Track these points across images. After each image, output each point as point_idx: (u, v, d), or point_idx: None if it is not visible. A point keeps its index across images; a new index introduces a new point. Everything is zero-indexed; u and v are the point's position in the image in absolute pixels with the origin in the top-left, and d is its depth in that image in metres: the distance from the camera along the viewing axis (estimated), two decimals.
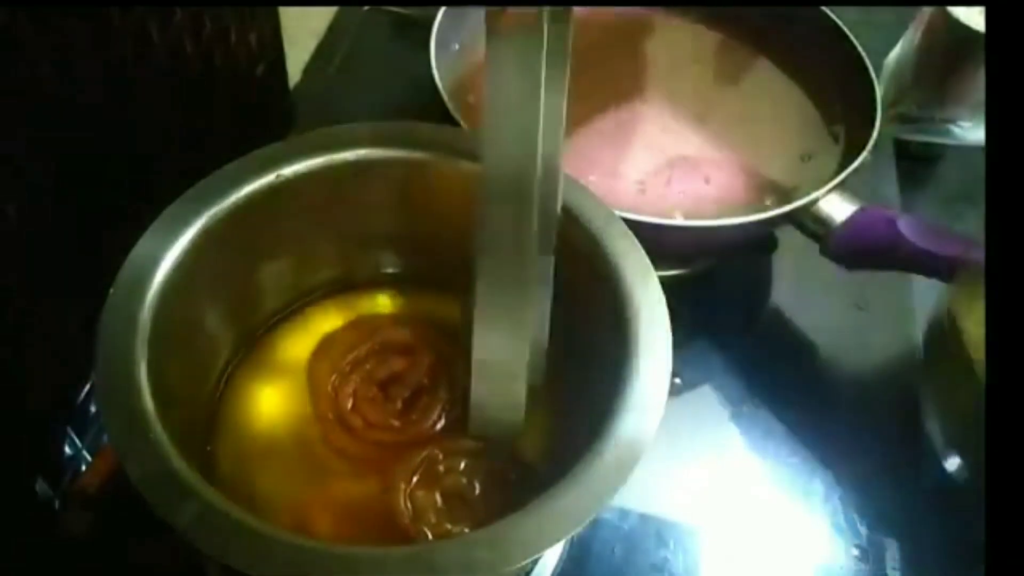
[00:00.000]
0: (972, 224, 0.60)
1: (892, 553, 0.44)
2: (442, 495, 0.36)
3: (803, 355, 0.53)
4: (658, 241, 0.39)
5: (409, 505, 0.35)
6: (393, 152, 0.38)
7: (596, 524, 0.44)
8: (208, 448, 0.37)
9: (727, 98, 0.58)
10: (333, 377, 0.39)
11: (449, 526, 0.35)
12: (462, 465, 0.37)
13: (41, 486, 0.41)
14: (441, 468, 0.36)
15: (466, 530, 0.35)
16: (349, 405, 0.38)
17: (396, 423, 0.38)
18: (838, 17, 0.57)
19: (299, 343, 0.41)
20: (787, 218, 0.48)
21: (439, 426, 0.38)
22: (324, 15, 0.68)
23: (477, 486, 0.36)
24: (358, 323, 0.42)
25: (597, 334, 0.35)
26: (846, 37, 0.57)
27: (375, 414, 0.38)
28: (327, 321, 0.42)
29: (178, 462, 0.28)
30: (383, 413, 0.38)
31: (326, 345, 0.40)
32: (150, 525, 0.27)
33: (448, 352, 0.40)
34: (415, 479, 0.36)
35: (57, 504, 0.41)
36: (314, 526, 0.36)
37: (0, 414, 0.39)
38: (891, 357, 0.53)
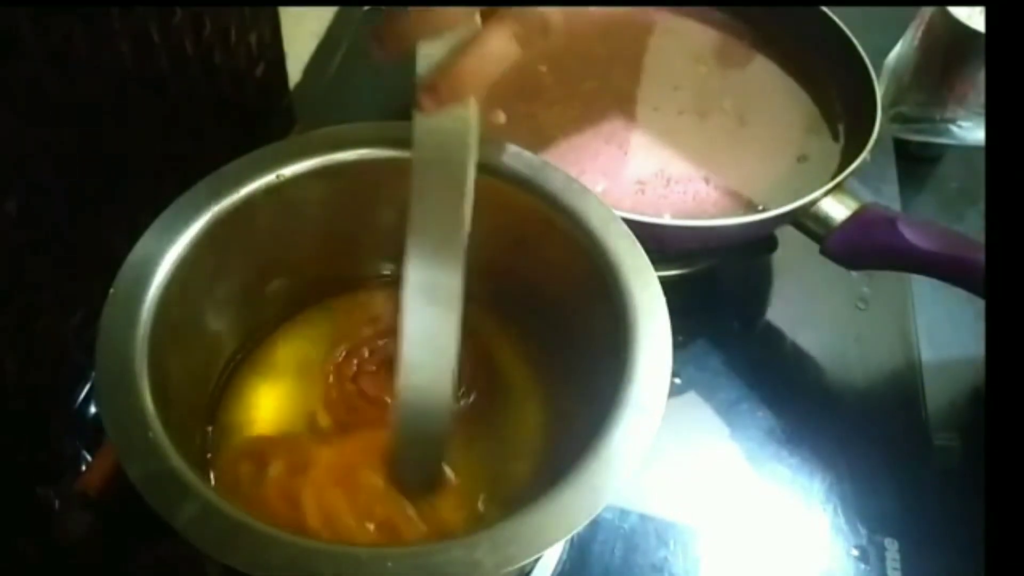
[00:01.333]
0: (972, 224, 0.61)
1: (892, 553, 0.44)
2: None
3: (803, 355, 0.53)
4: (658, 241, 0.39)
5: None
6: (393, 152, 0.38)
7: (596, 524, 0.44)
8: (208, 447, 0.37)
9: (727, 98, 0.58)
10: (345, 343, 0.40)
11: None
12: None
13: (41, 487, 0.41)
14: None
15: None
16: (352, 372, 0.39)
17: (388, 399, 0.38)
18: (838, 17, 0.58)
19: (300, 343, 0.41)
20: (787, 218, 0.48)
21: None
22: (324, 16, 0.68)
23: None
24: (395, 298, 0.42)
25: (597, 334, 0.35)
26: (846, 37, 0.57)
27: (371, 386, 0.39)
28: (327, 321, 0.42)
29: (178, 461, 0.28)
30: (379, 387, 0.39)
31: (360, 307, 0.42)
32: (150, 525, 0.26)
33: (468, 346, 0.40)
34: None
35: (57, 505, 0.41)
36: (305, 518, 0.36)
37: (0, 414, 0.39)
38: (891, 357, 0.53)
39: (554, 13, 0.29)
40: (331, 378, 0.39)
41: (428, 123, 0.31)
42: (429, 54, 0.30)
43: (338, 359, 0.40)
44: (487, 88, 0.30)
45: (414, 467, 0.36)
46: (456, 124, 0.31)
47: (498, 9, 0.29)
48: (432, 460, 0.36)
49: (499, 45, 0.29)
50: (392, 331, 0.40)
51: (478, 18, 0.30)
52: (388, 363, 0.39)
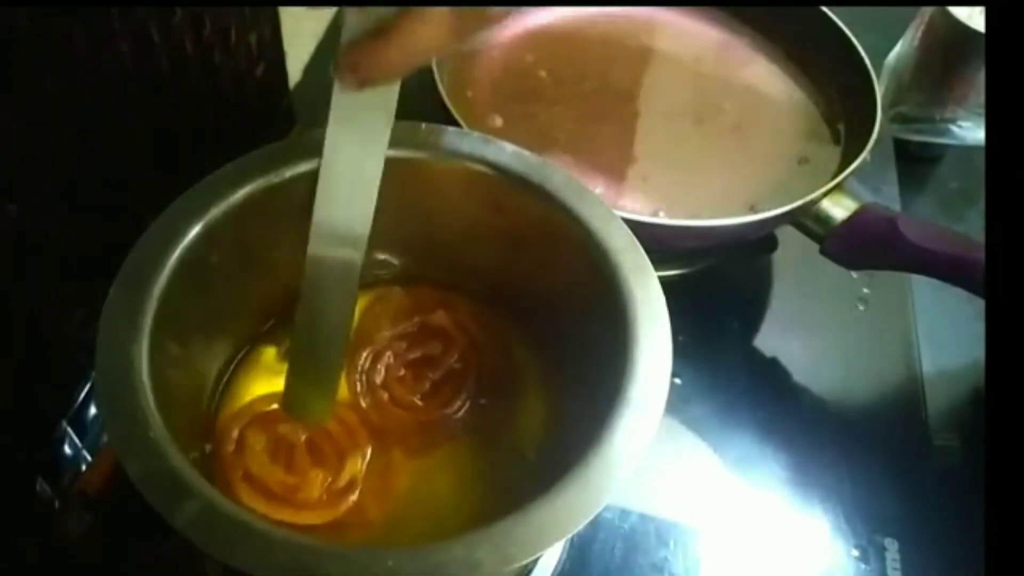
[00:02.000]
0: (972, 224, 0.61)
1: (892, 553, 0.44)
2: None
3: (803, 355, 0.53)
4: (658, 241, 0.39)
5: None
6: (393, 152, 0.38)
7: (596, 524, 0.44)
8: (209, 447, 0.37)
9: (727, 98, 0.58)
10: (368, 350, 0.40)
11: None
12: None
13: (41, 486, 0.41)
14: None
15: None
16: (379, 380, 0.40)
17: (420, 403, 0.39)
18: (838, 17, 0.58)
19: None
20: (787, 218, 0.48)
21: (462, 412, 0.39)
22: (324, 16, 0.68)
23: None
24: (412, 295, 0.42)
25: (597, 334, 0.35)
26: (846, 37, 0.57)
27: (402, 392, 0.39)
28: None
29: (178, 461, 0.28)
30: (410, 392, 0.39)
31: (373, 313, 0.42)
32: (150, 525, 0.26)
33: (481, 342, 0.41)
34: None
35: (57, 504, 0.41)
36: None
37: (0, 414, 0.39)
38: (891, 357, 0.53)
39: (495, 7, 0.27)
40: (359, 387, 0.39)
41: (348, 95, 0.30)
42: (356, 24, 0.28)
43: (365, 366, 0.40)
44: (411, 73, 0.29)
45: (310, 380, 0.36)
46: (376, 102, 0.30)
47: None
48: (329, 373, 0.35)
49: (430, 36, 0.27)
50: (410, 335, 0.41)
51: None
52: (414, 364, 0.40)
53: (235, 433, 0.37)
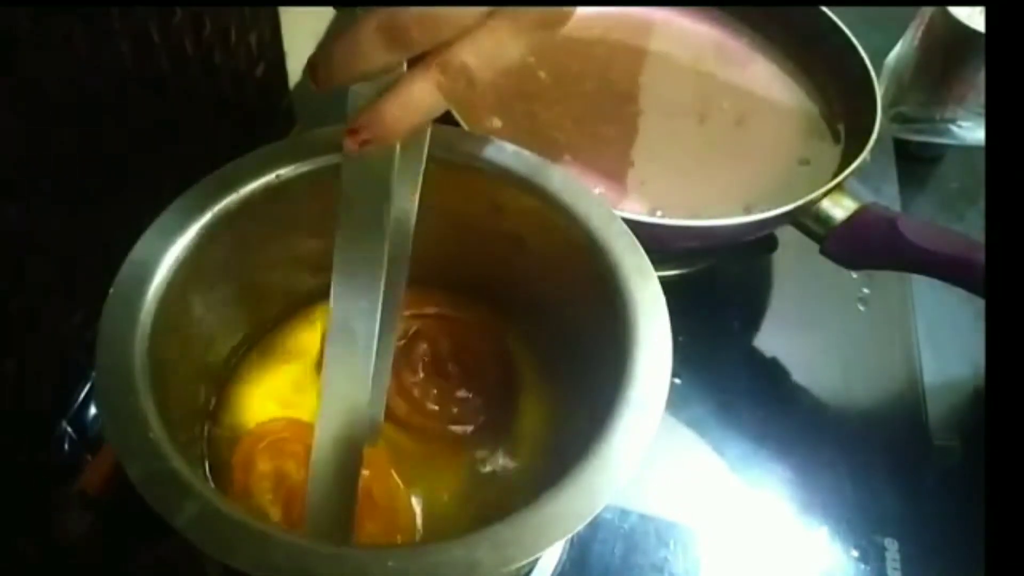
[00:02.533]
0: (972, 224, 0.61)
1: (892, 553, 0.44)
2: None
3: (803, 355, 0.53)
4: (658, 241, 0.39)
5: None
6: None
7: (596, 524, 0.44)
8: (209, 447, 0.37)
9: (727, 98, 0.58)
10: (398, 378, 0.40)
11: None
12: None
13: (41, 487, 0.41)
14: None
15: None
16: (408, 384, 0.40)
17: (430, 410, 0.39)
18: (838, 17, 0.58)
19: (301, 343, 0.41)
20: (787, 218, 0.48)
21: (466, 415, 0.39)
22: (324, 16, 0.68)
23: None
24: (412, 298, 0.41)
25: (597, 334, 0.35)
26: (846, 37, 0.57)
27: (417, 404, 0.39)
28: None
29: (178, 462, 0.28)
30: (423, 400, 0.39)
31: None
32: (150, 525, 0.26)
33: (482, 344, 0.41)
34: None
35: (57, 505, 0.41)
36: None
37: (0, 414, 0.39)
38: (891, 357, 0.53)
39: (479, 66, 0.28)
40: (396, 397, 0.39)
41: (353, 162, 0.31)
42: (360, 92, 0.30)
43: (398, 386, 0.40)
44: (410, 134, 0.30)
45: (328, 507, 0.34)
46: (379, 166, 0.31)
47: (424, 56, 0.28)
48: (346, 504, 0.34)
49: (421, 94, 0.29)
50: (413, 344, 0.41)
51: (404, 67, 0.29)
52: (432, 364, 0.40)
53: (249, 456, 0.36)
